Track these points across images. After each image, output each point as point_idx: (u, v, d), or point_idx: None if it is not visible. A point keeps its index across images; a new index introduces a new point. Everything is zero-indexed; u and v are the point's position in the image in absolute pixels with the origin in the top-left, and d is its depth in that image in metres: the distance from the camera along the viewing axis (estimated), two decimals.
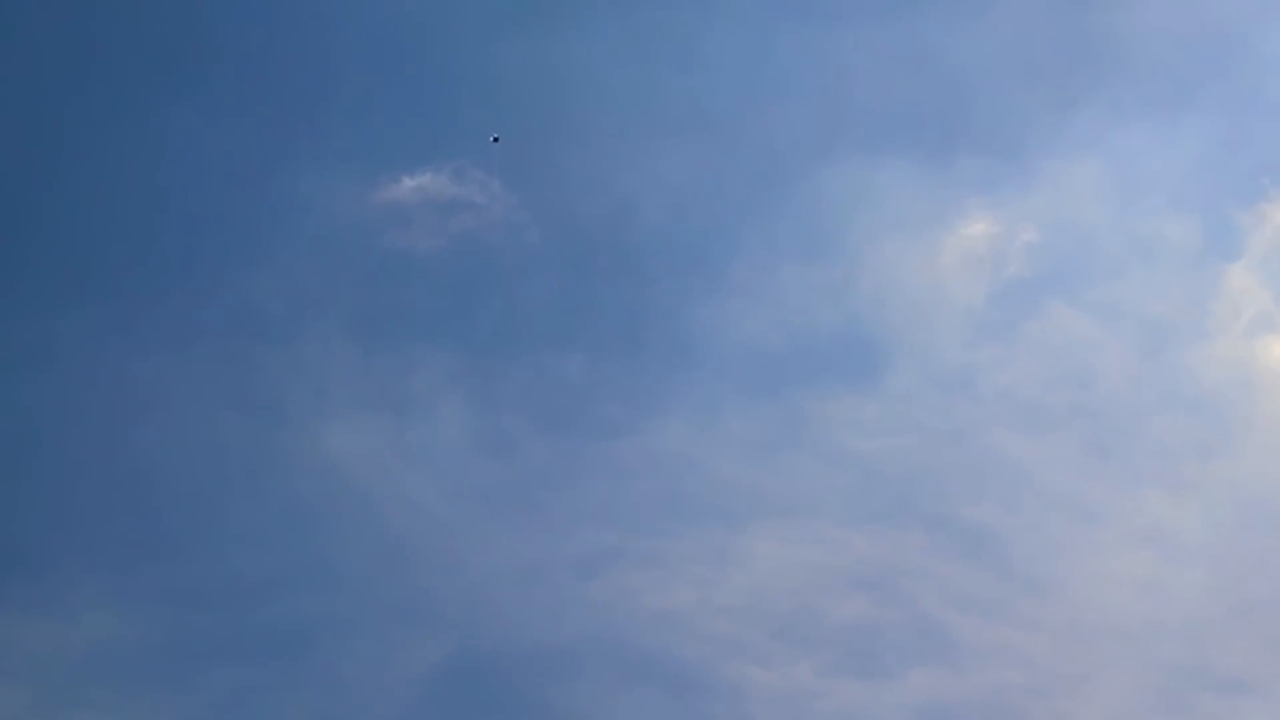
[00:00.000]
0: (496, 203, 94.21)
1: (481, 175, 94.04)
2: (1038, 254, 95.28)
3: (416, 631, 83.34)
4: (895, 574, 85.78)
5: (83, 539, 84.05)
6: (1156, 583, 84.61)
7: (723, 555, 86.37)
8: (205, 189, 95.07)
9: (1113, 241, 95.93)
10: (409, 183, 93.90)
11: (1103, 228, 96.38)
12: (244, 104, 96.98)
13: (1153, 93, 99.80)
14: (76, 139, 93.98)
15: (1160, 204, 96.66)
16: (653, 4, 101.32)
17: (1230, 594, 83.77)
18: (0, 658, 79.87)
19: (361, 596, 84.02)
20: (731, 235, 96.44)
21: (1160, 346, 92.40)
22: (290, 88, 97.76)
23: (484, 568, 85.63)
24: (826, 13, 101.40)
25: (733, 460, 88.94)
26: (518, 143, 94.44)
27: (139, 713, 79.09)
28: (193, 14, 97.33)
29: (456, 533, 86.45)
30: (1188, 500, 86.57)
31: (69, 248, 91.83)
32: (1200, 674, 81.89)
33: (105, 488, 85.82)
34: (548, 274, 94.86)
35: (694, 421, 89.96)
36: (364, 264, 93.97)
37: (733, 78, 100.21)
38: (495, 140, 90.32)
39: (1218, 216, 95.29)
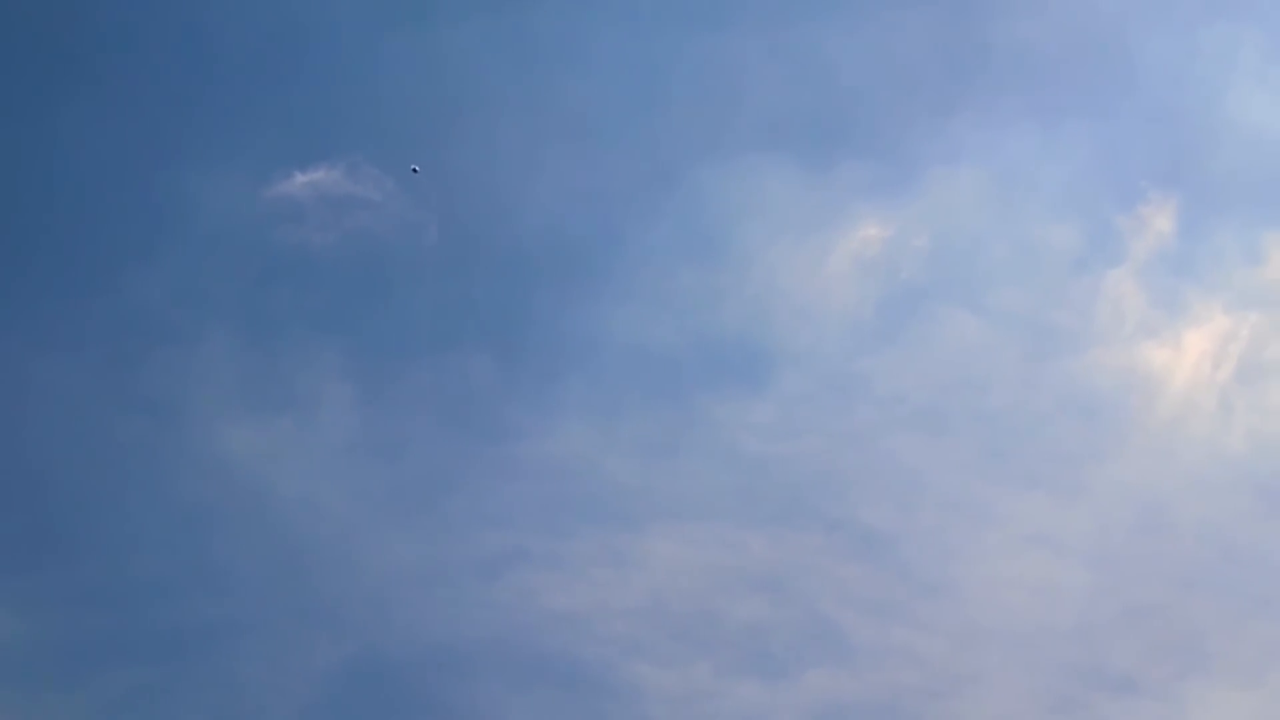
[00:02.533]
0: (391, 200, 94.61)
1: (375, 172, 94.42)
2: (924, 259, 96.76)
3: (315, 633, 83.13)
4: (793, 575, 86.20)
5: None
6: (1048, 585, 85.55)
7: (622, 557, 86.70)
8: (93, 187, 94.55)
9: (997, 247, 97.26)
10: (301, 179, 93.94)
11: (986, 234, 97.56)
12: (132, 101, 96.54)
13: (1032, 100, 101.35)
14: None
15: (1042, 210, 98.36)
16: (538, 5, 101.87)
17: (1120, 596, 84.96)
18: None
19: (258, 597, 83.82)
20: (624, 238, 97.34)
21: (1047, 351, 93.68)
22: (179, 85, 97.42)
23: (383, 569, 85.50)
24: (711, 18, 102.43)
25: (631, 462, 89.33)
26: (409, 141, 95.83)
27: (34, 712, 78.42)
28: (80, 10, 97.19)
29: (354, 534, 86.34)
30: (1078, 503, 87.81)
31: None
32: (1092, 674, 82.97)
33: (3, 489, 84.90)
34: (442, 274, 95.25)
35: (591, 423, 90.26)
36: (256, 261, 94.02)
37: (618, 80, 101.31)
38: (415, 171, 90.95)
39: (1099, 222, 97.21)
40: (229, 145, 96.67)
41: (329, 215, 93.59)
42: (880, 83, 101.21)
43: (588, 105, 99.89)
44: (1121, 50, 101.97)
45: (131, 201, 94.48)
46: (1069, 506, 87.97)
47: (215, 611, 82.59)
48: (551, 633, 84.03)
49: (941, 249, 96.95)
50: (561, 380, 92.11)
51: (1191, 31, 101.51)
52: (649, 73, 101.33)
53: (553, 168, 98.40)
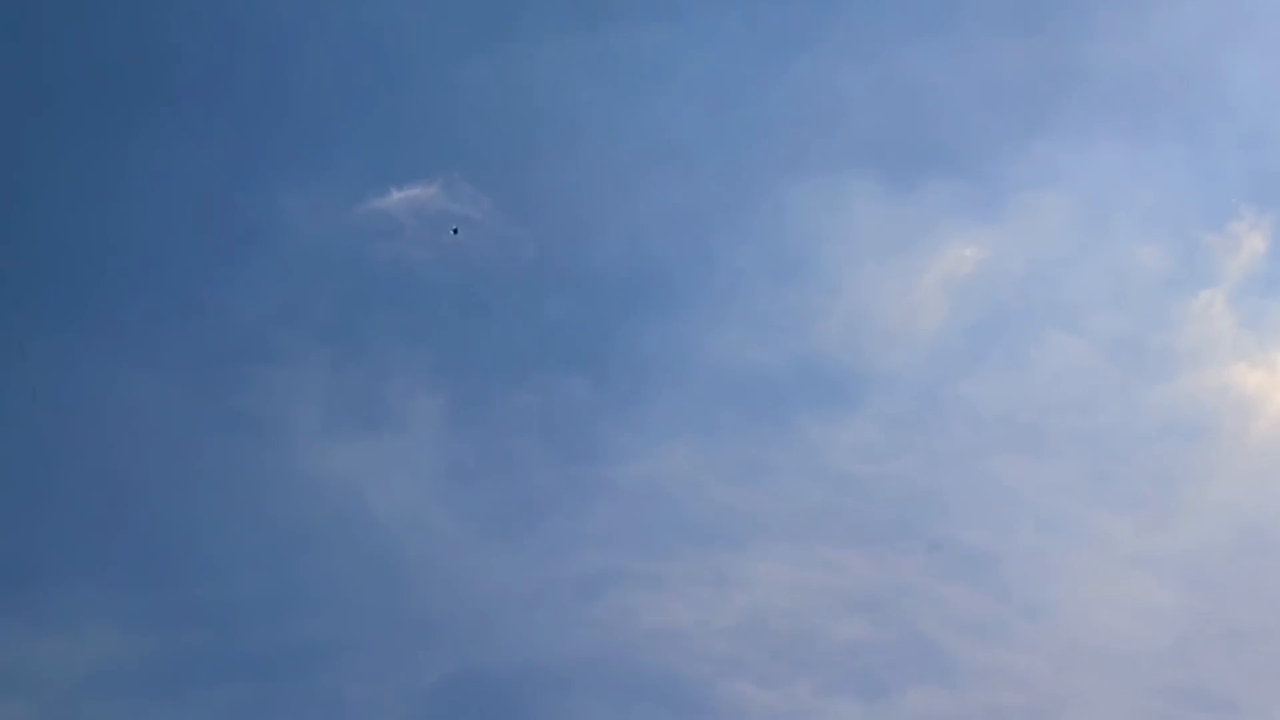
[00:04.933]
0: (488, 218, 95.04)
1: (472, 190, 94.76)
2: (1016, 280, 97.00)
3: (415, 652, 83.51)
4: (892, 595, 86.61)
5: (87, 557, 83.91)
6: (1149, 606, 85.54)
7: (721, 576, 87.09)
8: (186, 206, 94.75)
9: (1089, 269, 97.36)
10: (397, 195, 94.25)
11: (1078, 255, 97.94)
12: (225, 119, 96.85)
13: (1123, 121, 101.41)
14: (49, 158, 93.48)
15: (1133, 230, 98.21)
16: (626, 26, 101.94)
17: (1222, 617, 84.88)
18: (8, 674, 79.79)
19: (359, 616, 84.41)
20: (713, 258, 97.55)
21: (1143, 373, 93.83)
22: (272, 103, 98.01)
23: (483, 588, 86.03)
24: (797, 38, 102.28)
25: (729, 482, 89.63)
26: (504, 158, 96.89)
27: None
28: (171, 28, 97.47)
29: (454, 553, 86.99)
30: (1178, 524, 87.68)
31: (52, 269, 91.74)
32: (1193, 696, 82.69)
33: (109, 507, 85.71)
34: (539, 292, 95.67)
35: (688, 443, 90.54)
36: (352, 278, 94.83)
37: (704, 100, 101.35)
38: (455, 232, 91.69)
39: (1190, 241, 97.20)
40: (323, 162, 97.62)
41: (425, 232, 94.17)
42: (969, 103, 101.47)
43: (675, 125, 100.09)
44: (1212, 71, 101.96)
45: (226, 220, 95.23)
46: (1169, 527, 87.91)
47: (316, 630, 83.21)
48: (651, 651, 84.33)
49: (1033, 270, 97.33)
50: (657, 401, 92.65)
51: None
52: (735, 92, 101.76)
53: (642, 187, 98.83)
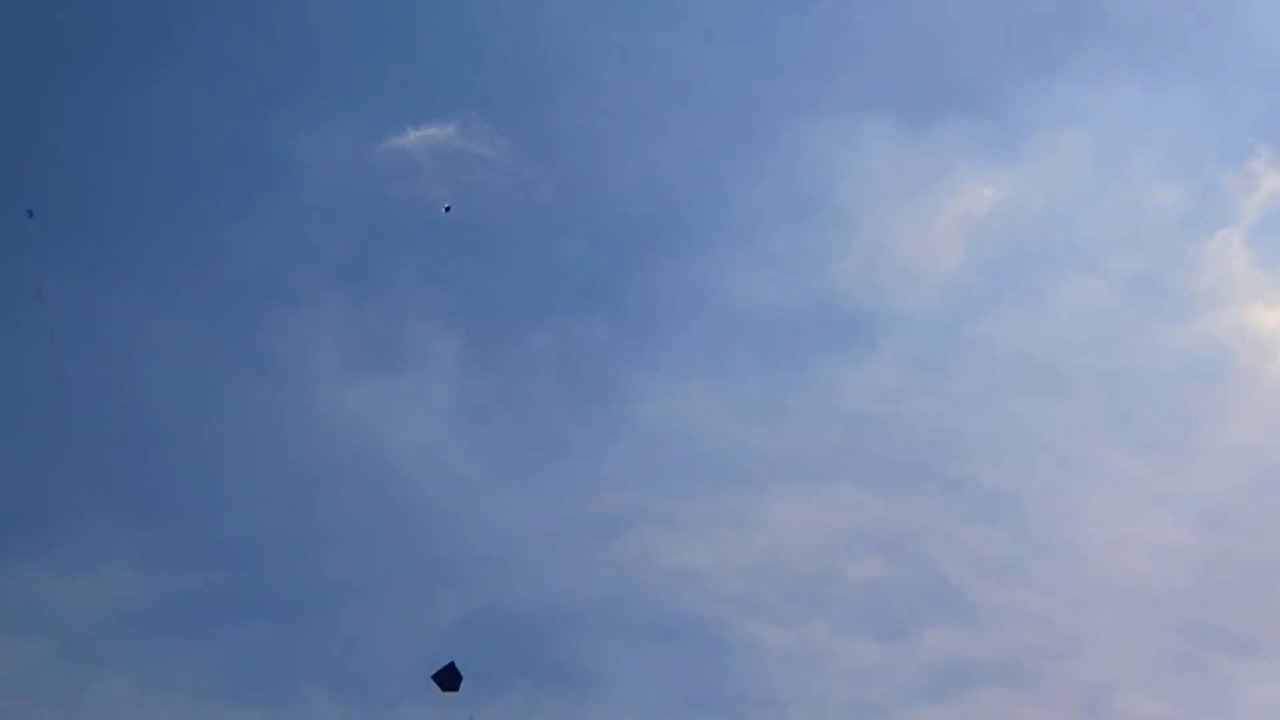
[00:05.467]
0: (505, 157, 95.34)
1: (489, 129, 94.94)
2: (1032, 220, 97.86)
3: (435, 590, 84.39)
4: (911, 536, 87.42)
5: (107, 498, 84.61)
6: (1168, 545, 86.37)
7: (740, 517, 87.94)
8: (205, 147, 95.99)
9: (1105, 208, 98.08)
10: (414, 134, 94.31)
11: (1095, 194, 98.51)
12: (244, 61, 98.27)
13: (1138, 60, 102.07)
14: (70, 102, 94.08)
15: (1150, 170, 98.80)
16: None
17: (1240, 556, 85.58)
18: (29, 613, 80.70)
19: (379, 556, 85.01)
20: (728, 197, 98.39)
21: (1159, 313, 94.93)
22: (290, 44, 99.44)
23: (502, 528, 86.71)
24: None
25: (747, 423, 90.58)
26: (521, 99, 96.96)
27: (162, 667, 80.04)
28: None
29: (473, 493, 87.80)
30: (1196, 464, 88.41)
31: (70, 211, 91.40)
32: (1211, 634, 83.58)
33: (127, 448, 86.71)
34: (555, 232, 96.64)
35: (706, 384, 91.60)
36: (369, 217, 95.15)
37: (718, 39, 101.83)
38: (447, 210, 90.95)
39: (1206, 180, 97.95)
40: (341, 102, 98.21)
41: (443, 171, 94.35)
42: (986, 43, 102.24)
43: (691, 65, 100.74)
44: (1229, 9, 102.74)
45: (244, 160, 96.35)
46: (1187, 468, 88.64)
47: (335, 569, 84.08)
48: (669, 591, 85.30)
49: (1050, 209, 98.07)
50: (674, 341, 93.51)
51: None
52: (752, 32, 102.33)
53: (658, 127, 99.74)
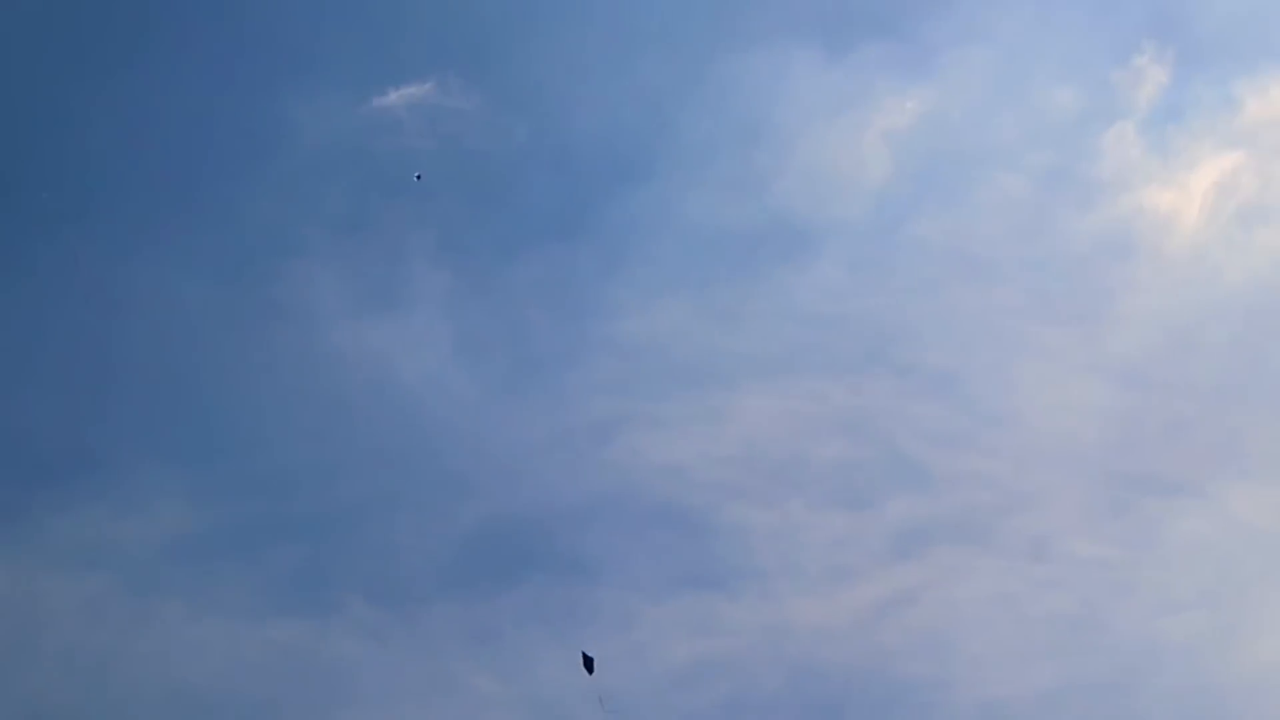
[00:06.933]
0: (480, 110, 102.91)
1: (463, 84, 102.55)
2: (952, 128, 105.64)
3: (451, 502, 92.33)
4: (871, 417, 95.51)
5: (155, 444, 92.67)
6: (1098, 407, 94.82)
7: (717, 413, 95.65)
8: (206, 120, 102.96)
9: (1014, 113, 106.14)
10: (396, 94, 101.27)
11: (1003, 101, 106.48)
12: (234, 36, 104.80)
13: None
14: (91, 95, 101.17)
15: (1048, 75, 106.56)
16: None
17: (1162, 410, 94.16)
18: (89, 549, 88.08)
19: (400, 475, 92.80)
20: (677, 128, 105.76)
21: (1070, 202, 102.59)
22: (278, 18, 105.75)
23: (507, 440, 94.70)
24: None
25: (718, 329, 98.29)
26: (488, 55, 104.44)
27: (214, 590, 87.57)
28: None
29: (478, 412, 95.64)
30: (1117, 332, 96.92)
31: (97, 185, 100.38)
32: (1141, 482, 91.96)
33: (167, 396, 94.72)
34: (532, 171, 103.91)
35: (681, 298, 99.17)
36: (362, 171, 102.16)
37: None
38: (419, 178, 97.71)
39: (1099, 79, 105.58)
40: (325, 69, 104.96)
41: (424, 125, 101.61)
42: None
43: (636, 11, 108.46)
44: None
45: (242, 129, 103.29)
46: (1106, 336, 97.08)
47: (363, 490, 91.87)
48: (660, 484, 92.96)
49: (966, 117, 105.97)
50: (644, 262, 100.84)
51: None
52: None
53: (612, 71, 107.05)
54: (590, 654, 72.97)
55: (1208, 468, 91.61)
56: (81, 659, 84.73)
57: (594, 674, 72.67)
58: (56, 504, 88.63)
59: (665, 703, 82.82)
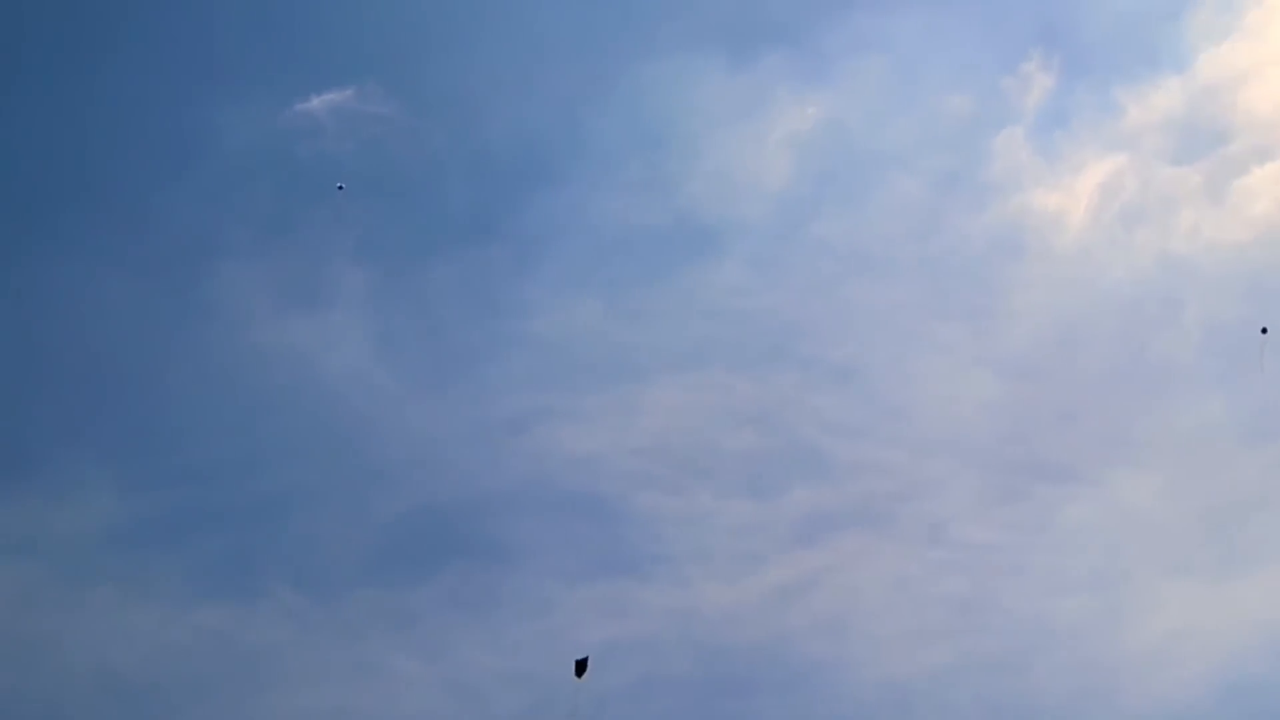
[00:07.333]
0: (398, 115, 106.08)
1: (382, 91, 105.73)
2: (850, 133, 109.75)
3: (374, 492, 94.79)
4: (775, 409, 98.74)
5: (86, 437, 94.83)
6: (991, 398, 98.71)
7: (629, 406, 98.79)
8: (133, 128, 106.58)
9: (909, 118, 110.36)
10: (317, 100, 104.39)
11: (898, 107, 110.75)
12: (159, 43, 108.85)
13: None
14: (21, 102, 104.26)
15: (940, 81, 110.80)
16: None
17: (1053, 401, 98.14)
18: (26, 539, 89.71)
19: (323, 467, 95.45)
20: (585, 133, 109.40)
21: (966, 202, 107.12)
22: (199, 26, 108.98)
23: (427, 433, 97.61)
24: None
25: (629, 326, 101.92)
26: (409, 62, 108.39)
27: (145, 577, 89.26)
28: None
29: (399, 406, 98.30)
30: (1009, 328, 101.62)
31: (28, 190, 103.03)
32: (1033, 469, 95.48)
33: (97, 389, 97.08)
34: (447, 175, 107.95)
35: (593, 296, 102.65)
36: (282, 175, 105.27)
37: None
38: (340, 189, 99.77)
39: (989, 86, 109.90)
40: (249, 76, 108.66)
41: (345, 130, 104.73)
42: None
43: (542, 23, 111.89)
44: None
45: (168, 136, 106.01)
46: (999, 332, 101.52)
47: (288, 481, 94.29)
48: (574, 474, 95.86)
49: (863, 123, 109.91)
50: (556, 261, 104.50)
51: None
52: None
53: (522, 78, 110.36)
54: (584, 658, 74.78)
55: (1094, 456, 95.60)
56: (13, 646, 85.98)
57: (581, 676, 74.42)
58: None
59: (580, 684, 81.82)
